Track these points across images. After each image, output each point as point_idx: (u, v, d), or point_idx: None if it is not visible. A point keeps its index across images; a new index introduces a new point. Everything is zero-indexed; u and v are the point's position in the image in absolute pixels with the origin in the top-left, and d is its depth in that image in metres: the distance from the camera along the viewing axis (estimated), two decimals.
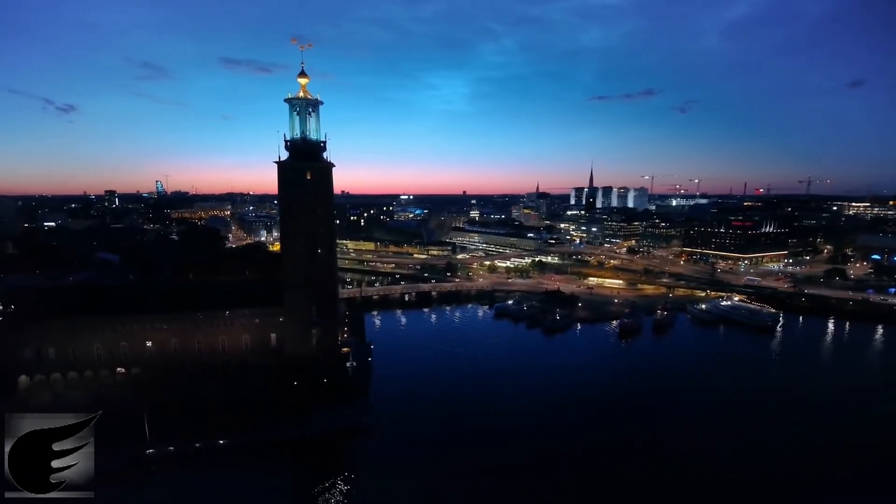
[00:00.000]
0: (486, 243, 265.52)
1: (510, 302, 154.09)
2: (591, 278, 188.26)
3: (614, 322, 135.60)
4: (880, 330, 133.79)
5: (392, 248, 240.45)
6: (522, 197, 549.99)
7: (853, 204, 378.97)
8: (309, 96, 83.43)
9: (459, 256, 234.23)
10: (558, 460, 68.67)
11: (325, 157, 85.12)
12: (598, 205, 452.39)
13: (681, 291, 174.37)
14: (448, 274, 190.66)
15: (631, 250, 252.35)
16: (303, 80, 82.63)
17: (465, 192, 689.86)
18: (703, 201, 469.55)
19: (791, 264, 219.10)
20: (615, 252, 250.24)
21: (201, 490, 61.71)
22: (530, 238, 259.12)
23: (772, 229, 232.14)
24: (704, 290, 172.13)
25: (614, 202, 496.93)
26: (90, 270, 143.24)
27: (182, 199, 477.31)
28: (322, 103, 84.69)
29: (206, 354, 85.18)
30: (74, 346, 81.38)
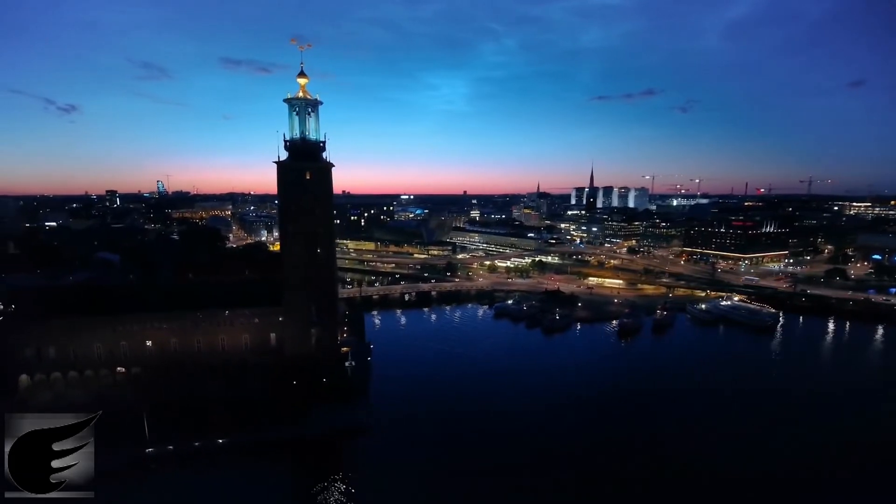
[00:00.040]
0: (486, 243, 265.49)
1: (510, 302, 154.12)
2: (591, 278, 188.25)
3: (614, 322, 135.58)
4: (881, 330, 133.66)
5: (392, 248, 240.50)
6: (523, 197, 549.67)
7: (854, 204, 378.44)
8: (308, 96, 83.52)
9: (459, 256, 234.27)
10: (558, 460, 68.68)
11: (324, 157, 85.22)
12: (599, 205, 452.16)
13: (681, 291, 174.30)
14: (448, 274, 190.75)
15: (631, 250, 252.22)
16: (302, 81, 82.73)
17: (465, 191, 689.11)
18: (704, 201, 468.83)
19: (792, 264, 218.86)
20: (615, 252, 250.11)
21: (201, 490, 61.78)
22: (530, 238, 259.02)
23: (772, 229, 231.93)
24: (704, 290, 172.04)
25: (615, 202, 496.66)
26: (91, 270, 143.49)
27: (183, 199, 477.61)
28: (321, 103, 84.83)
29: (206, 354, 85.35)
30: (75, 345, 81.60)
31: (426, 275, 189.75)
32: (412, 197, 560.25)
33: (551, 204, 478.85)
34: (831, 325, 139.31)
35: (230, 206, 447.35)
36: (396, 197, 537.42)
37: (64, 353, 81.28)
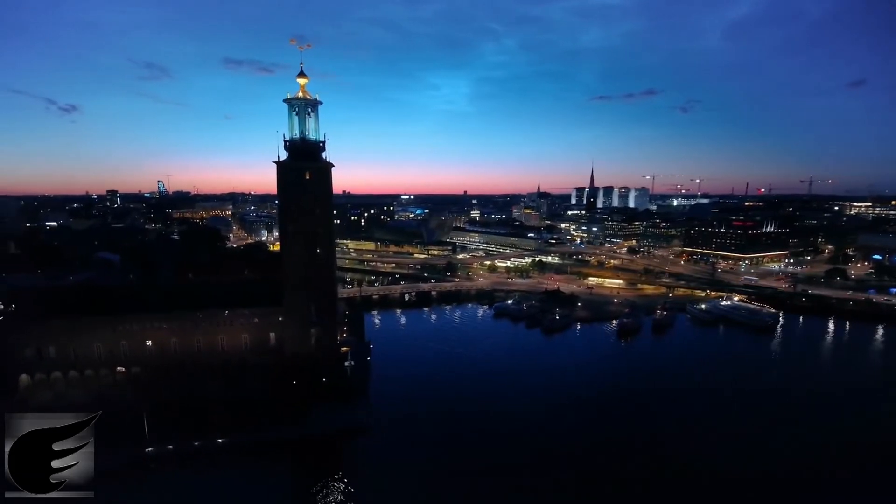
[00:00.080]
0: (486, 243, 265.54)
1: (510, 302, 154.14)
2: (591, 278, 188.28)
3: (614, 322, 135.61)
4: (881, 330, 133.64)
5: (392, 248, 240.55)
6: (523, 197, 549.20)
7: (855, 204, 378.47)
8: (308, 96, 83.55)
9: (460, 256, 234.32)
10: (558, 460, 68.70)
11: (324, 157, 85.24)
12: (600, 205, 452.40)
13: (681, 291, 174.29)
14: (448, 274, 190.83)
15: (631, 250, 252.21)
16: (302, 81, 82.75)
17: (465, 191, 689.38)
18: (705, 201, 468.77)
19: (792, 264, 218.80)
20: (615, 252, 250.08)
21: (201, 489, 61.83)
22: (531, 238, 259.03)
23: (773, 229, 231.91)
24: (704, 290, 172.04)
25: (615, 202, 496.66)
26: (91, 270, 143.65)
27: (184, 199, 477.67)
28: (321, 103, 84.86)
29: (206, 354, 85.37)
30: (75, 345, 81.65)
31: (426, 275, 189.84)
32: (412, 197, 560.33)
33: (551, 204, 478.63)
34: (831, 326, 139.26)
35: (231, 206, 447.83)
36: (397, 197, 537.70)
37: (64, 353, 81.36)
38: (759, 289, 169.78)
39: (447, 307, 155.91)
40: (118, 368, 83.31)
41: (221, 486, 62.49)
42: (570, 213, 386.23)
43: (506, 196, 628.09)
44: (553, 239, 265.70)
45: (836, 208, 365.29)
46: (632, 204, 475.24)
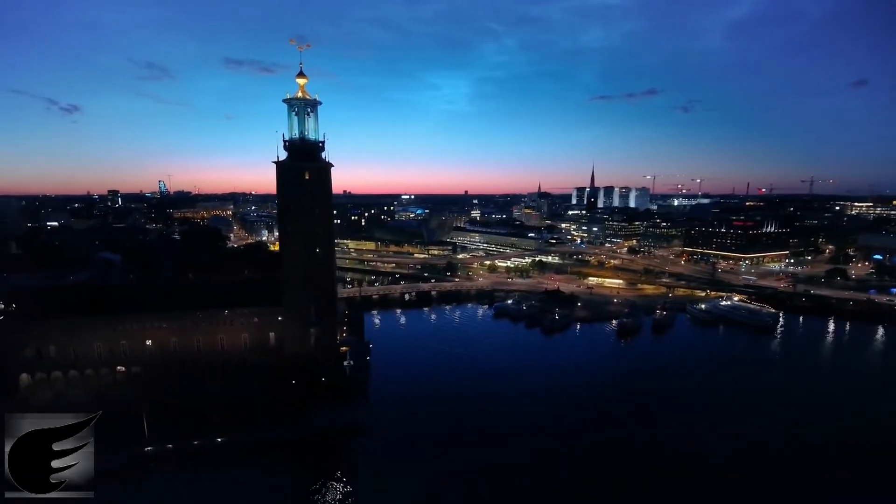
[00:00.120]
0: (486, 243, 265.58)
1: (510, 301, 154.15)
2: (591, 278, 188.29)
3: (614, 322, 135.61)
4: (881, 330, 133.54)
5: (393, 248, 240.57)
6: (524, 197, 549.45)
7: (855, 204, 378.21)
8: (307, 97, 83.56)
9: (460, 256, 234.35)
10: (558, 460, 68.74)
11: (323, 157, 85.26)
12: (600, 205, 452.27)
13: (681, 291, 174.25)
14: (448, 273, 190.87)
15: (632, 250, 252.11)
16: (301, 81, 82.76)
17: (466, 191, 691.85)
18: (706, 201, 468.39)
19: (792, 264, 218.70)
20: (616, 252, 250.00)
21: (200, 489, 61.92)
22: (531, 238, 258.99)
23: (773, 229, 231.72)
24: (704, 290, 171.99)
25: (616, 202, 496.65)
26: (92, 270, 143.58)
27: (184, 199, 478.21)
28: (321, 103, 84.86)
29: (206, 353, 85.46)
30: (75, 345, 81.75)
31: (426, 274, 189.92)
32: (413, 197, 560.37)
33: (552, 204, 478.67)
34: (832, 326, 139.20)
35: (231, 206, 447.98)
36: (397, 197, 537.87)
37: (64, 353, 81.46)
38: (759, 289, 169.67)
39: (447, 307, 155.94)
40: (118, 368, 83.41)
41: (221, 486, 62.56)
42: (570, 213, 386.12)
43: (506, 196, 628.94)
44: (553, 239, 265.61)
45: (837, 208, 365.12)
46: (632, 204, 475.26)
